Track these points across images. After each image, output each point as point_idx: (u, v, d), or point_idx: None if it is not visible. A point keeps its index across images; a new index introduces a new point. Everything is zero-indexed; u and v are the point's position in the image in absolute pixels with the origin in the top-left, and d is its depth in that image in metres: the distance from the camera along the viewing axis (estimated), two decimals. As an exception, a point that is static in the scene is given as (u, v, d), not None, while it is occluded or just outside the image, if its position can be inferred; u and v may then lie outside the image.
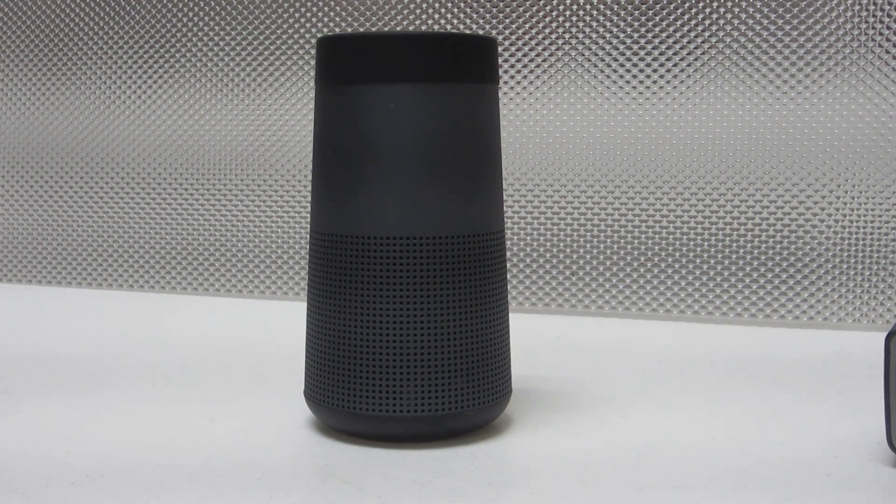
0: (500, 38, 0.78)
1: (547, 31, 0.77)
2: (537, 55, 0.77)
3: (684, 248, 0.75)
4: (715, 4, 0.74)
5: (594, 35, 0.76)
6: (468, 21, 0.79)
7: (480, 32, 0.78)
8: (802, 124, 0.73)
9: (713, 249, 0.75)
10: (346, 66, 0.46)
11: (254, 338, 0.70)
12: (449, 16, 0.79)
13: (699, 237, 0.75)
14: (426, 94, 0.45)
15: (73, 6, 0.87)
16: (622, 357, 0.65)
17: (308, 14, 0.82)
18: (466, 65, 0.46)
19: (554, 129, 0.77)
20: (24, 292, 0.88)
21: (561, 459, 0.45)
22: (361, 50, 0.45)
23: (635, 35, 0.75)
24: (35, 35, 0.89)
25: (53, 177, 0.90)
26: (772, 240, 0.74)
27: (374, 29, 0.80)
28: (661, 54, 0.75)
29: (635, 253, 0.76)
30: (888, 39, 0.71)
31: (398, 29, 0.80)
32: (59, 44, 0.88)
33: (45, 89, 0.89)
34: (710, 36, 0.74)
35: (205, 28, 0.84)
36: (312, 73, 0.82)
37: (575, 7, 0.76)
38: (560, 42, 0.77)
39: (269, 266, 0.84)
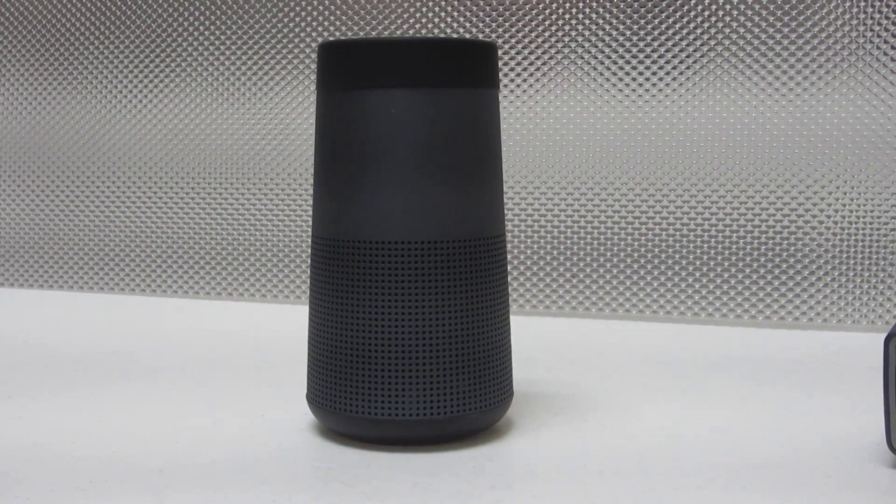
0: (500, 41, 0.78)
1: (546, 34, 0.77)
2: (537, 59, 0.77)
3: (684, 251, 0.75)
4: (713, 7, 0.74)
5: (594, 38, 0.76)
6: (468, 25, 0.79)
7: (481, 37, 0.79)
8: (801, 125, 0.73)
9: (713, 251, 0.75)
10: (347, 71, 0.46)
11: (256, 342, 0.71)
12: (449, 20, 0.79)
13: (698, 239, 0.75)
14: (427, 98, 0.45)
15: (76, 11, 0.88)
16: (623, 359, 0.65)
17: (308, 18, 0.82)
18: (467, 69, 0.46)
19: (554, 132, 0.78)
20: (28, 296, 0.88)
21: (563, 462, 0.45)
22: (362, 55, 0.45)
23: (634, 38, 0.75)
24: (38, 39, 0.89)
25: (56, 181, 0.90)
26: (771, 241, 0.74)
27: (374, 34, 0.81)
28: (660, 57, 0.75)
29: (635, 255, 0.76)
30: (886, 42, 0.71)
31: (399, 34, 0.80)
32: (62, 48, 0.88)
33: (48, 94, 0.89)
34: (708, 38, 0.74)
35: (206, 32, 0.85)
36: (313, 77, 0.82)
37: (574, 11, 0.76)
38: (560, 45, 0.77)
39: (270, 269, 0.84)
